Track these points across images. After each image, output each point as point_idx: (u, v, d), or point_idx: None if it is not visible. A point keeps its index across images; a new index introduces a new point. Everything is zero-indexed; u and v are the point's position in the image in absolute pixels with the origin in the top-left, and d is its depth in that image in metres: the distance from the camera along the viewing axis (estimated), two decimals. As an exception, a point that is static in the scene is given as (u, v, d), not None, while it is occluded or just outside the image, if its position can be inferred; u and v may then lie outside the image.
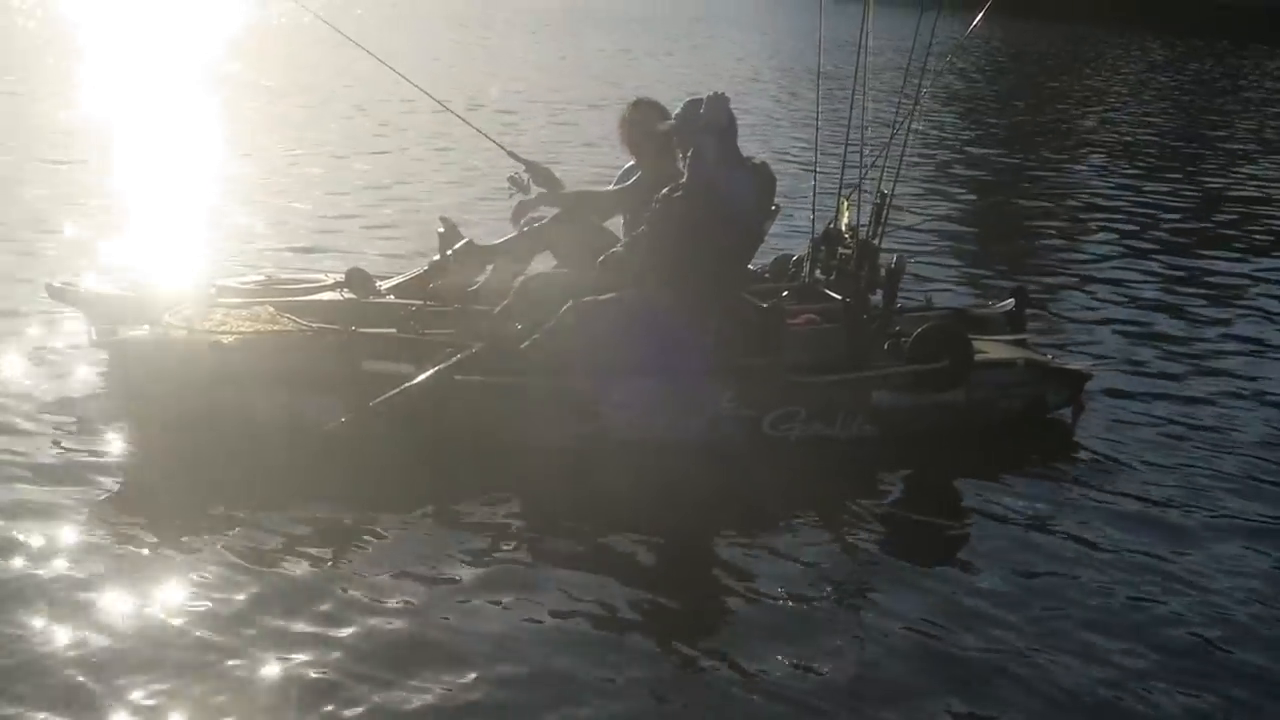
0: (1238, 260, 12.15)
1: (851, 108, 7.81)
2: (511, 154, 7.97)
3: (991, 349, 7.46)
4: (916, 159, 14.98)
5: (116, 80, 20.71)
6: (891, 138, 7.72)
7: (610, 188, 7.81)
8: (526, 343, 6.64)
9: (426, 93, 8.47)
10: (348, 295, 7.27)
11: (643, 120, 7.48)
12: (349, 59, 14.54)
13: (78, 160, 13.70)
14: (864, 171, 7.71)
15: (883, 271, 7.34)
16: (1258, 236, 13.41)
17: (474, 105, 18.00)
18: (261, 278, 7.83)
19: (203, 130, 16.34)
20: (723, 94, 6.90)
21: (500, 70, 24.77)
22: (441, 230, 7.70)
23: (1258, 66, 38.76)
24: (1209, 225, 13.79)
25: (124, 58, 24.52)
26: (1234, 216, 14.43)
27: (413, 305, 7.32)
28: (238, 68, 22.99)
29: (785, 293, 7.55)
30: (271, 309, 6.80)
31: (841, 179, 7.81)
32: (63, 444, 6.41)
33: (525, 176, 7.77)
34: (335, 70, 21.65)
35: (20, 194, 11.82)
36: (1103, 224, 13.45)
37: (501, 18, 41.33)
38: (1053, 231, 12.80)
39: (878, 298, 7.35)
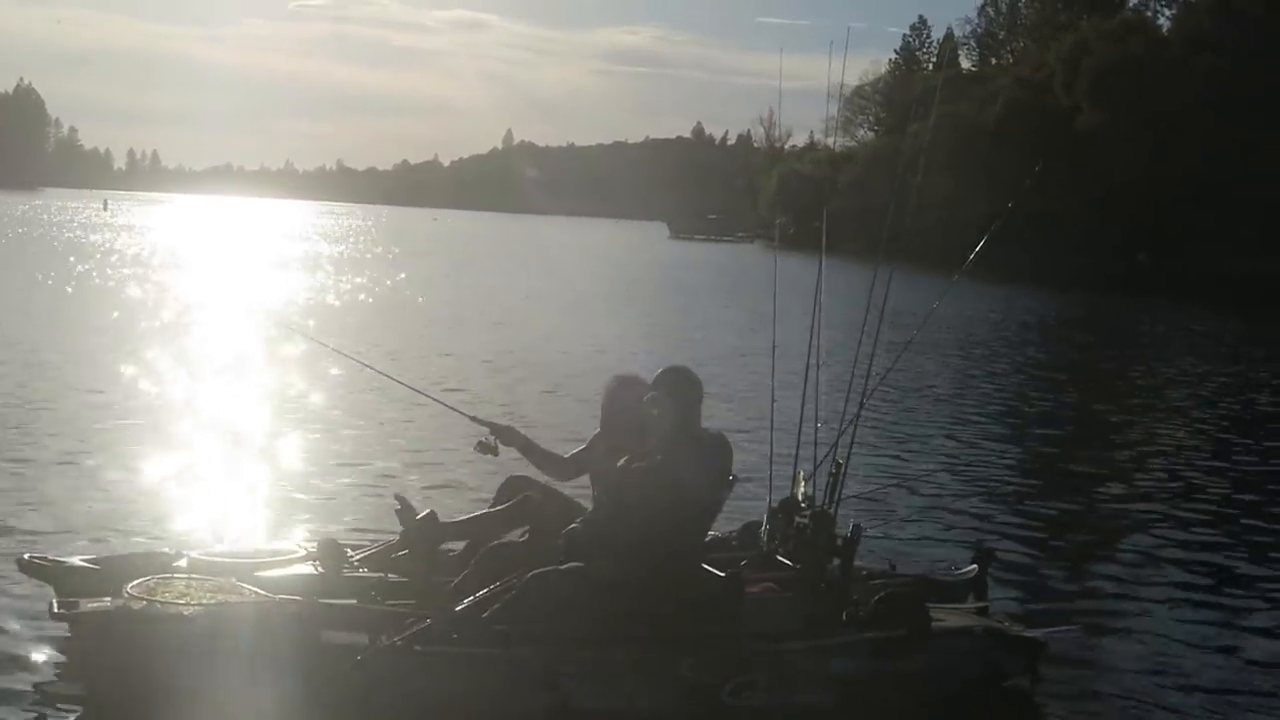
0: (1209, 520, 12.28)
1: (806, 381, 8.06)
2: (474, 419, 8.13)
3: (950, 617, 7.52)
4: (874, 426, 15.19)
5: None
6: (845, 410, 7.93)
7: (574, 453, 7.97)
8: (487, 612, 6.68)
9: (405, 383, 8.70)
10: (319, 568, 7.31)
11: (616, 396, 7.68)
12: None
13: (65, 417, 13.83)
14: (818, 445, 7.90)
15: (839, 540, 7.44)
16: (1213, 492, 13.60)
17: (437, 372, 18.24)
18: (234, 548, 7.90)
19: (190, 388, 16.49)
20: (683, 368, 7.14)
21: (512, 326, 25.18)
22: (398, 507, 7.77)
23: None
24: (1175, 487, 13.99)
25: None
26: (1195, 473, 14.65)
27: (379, 576, 7.35)
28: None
29: (744, 561, 7.64)
30: (235, 580, 6.87)
31: (797, 450, 7.99)
32: (25, 705, 6.41)
33: (492, 439, 7.91)
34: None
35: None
36: (1069, 488, 13.63)
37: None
38: (1018, 496, 12.95)
39: (836, 565, 7.43)
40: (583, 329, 28.17)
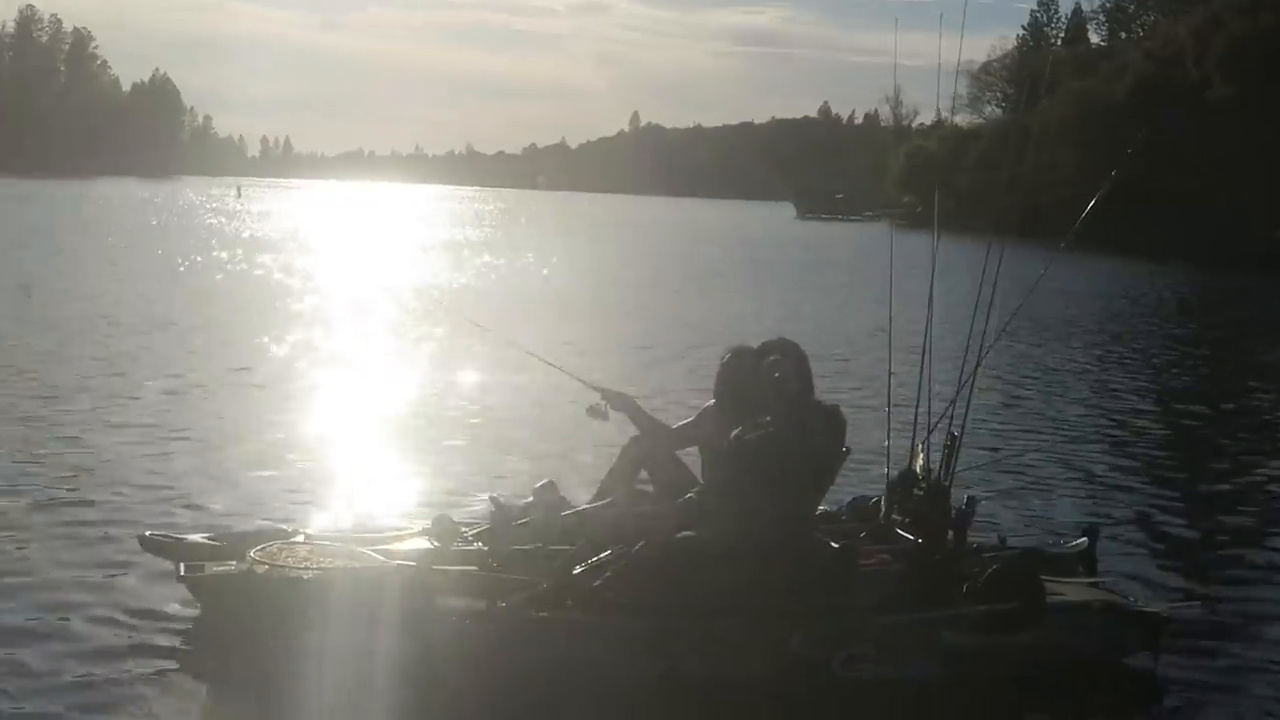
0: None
1: (924, 356, 8.02)
2: (587, 384, 8.20)
3: (1066, 590, 7.44)
4: (989, 399, 15.11)
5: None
6: (960, 383, 7.89)
7: (683, 423, 8.01)
8: (599, 580, 6.76)
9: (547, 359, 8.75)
10: (433, 543, 7.44)
11: (731, 366, 7.70)
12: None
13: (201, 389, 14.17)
14: (933, 418, 7.86)
15: (954, 512, 7.40)
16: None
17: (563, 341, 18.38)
18: (351, 525, 8.04)
19: (322, 370, 16.82)
20: (794, 344, 7.16)
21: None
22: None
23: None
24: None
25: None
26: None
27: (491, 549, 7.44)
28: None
29: (863, 534, 7.64)
30: (354, 548, 7.02)
31: (915, 422, 7.96)
32: (149, 672, 6.61)
33: (603, 404, 7.98)
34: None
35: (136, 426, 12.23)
36: (1185, 465, 13.41)
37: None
38: (1129, 470, 12.74)
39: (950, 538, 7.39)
40: (706, 308, 28.23)
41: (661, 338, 22.20)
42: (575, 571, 6.85)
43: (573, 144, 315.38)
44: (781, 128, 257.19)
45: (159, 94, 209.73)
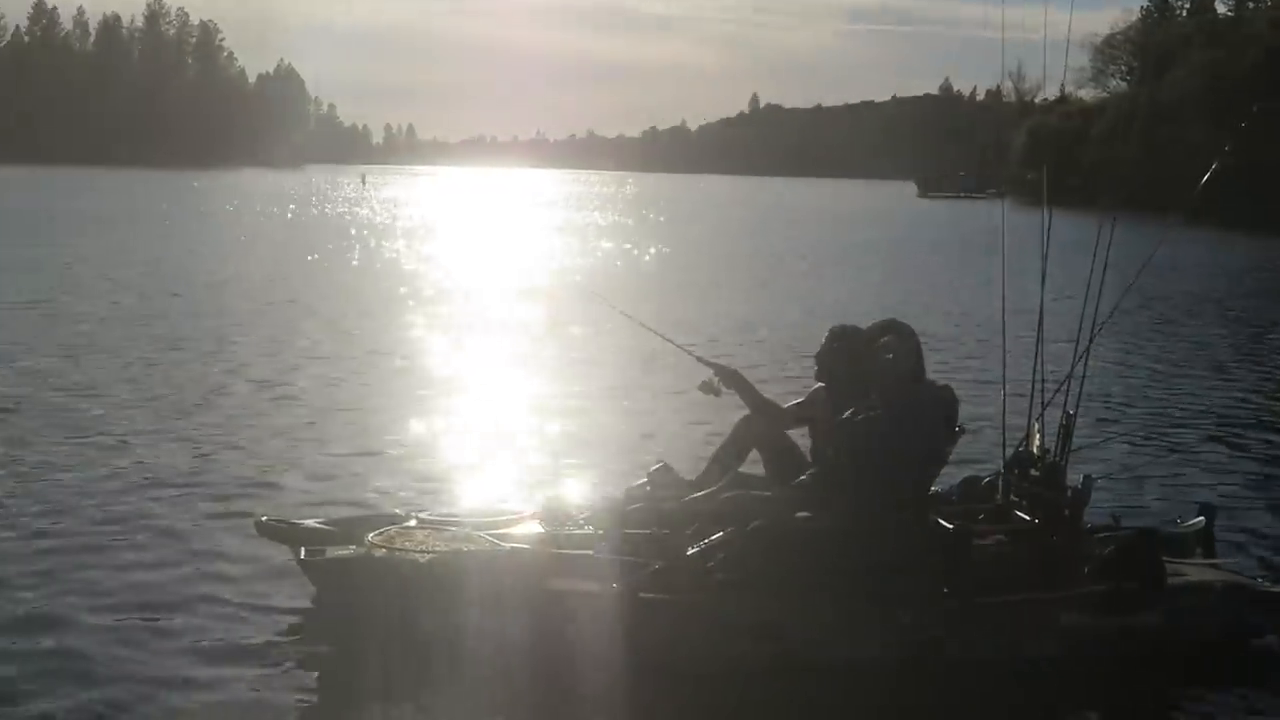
0: None
1: (1039, 336, 7.93)
2: (700, 359, 8.21)
3: (1187, 570, 7.33)
4: (1104, 377, 14.93)
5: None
6: (1075, 360, 7.79)
7: (794, 403, 7.99)
8: (711, 562, 6.78)
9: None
10: (545, 527, 7.49)
11: (839, 348, 7.66)
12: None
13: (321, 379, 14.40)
14: (1047, 396, 7.77)
15: (1069, 492, 7.32)
16: None
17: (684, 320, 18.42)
18: (461, 510, 8.13)
19: (443, 355, 16.98)
20: (905, 324, 7.12)
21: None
22: (653, 466, 7.90)
23: None
24: None
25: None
26: None
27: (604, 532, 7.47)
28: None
29: (981, 515, 7.58)
30: (469, 531, 7.12)
31: (1031, 402, 7.88)
32: (268, 656, 6.74)
33: (716, 380, 7.98)
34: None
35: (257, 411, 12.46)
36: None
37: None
38: (1245, 450, 12.48)
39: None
40: (823, 288, 28.16)
41: (777, 318, 22.17)
42: (688, 553, 6.88)
43: (693, 126, 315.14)
44: (902, 106, 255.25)
45: (284, 84, 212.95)
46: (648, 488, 7.74)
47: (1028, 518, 7.38)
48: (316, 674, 6.65)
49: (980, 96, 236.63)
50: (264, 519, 7.76)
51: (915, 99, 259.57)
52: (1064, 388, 7.79)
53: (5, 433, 11.45)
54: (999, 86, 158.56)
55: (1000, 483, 7.86)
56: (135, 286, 24.13)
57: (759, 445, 7.87)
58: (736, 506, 7.19)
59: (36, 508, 9.09)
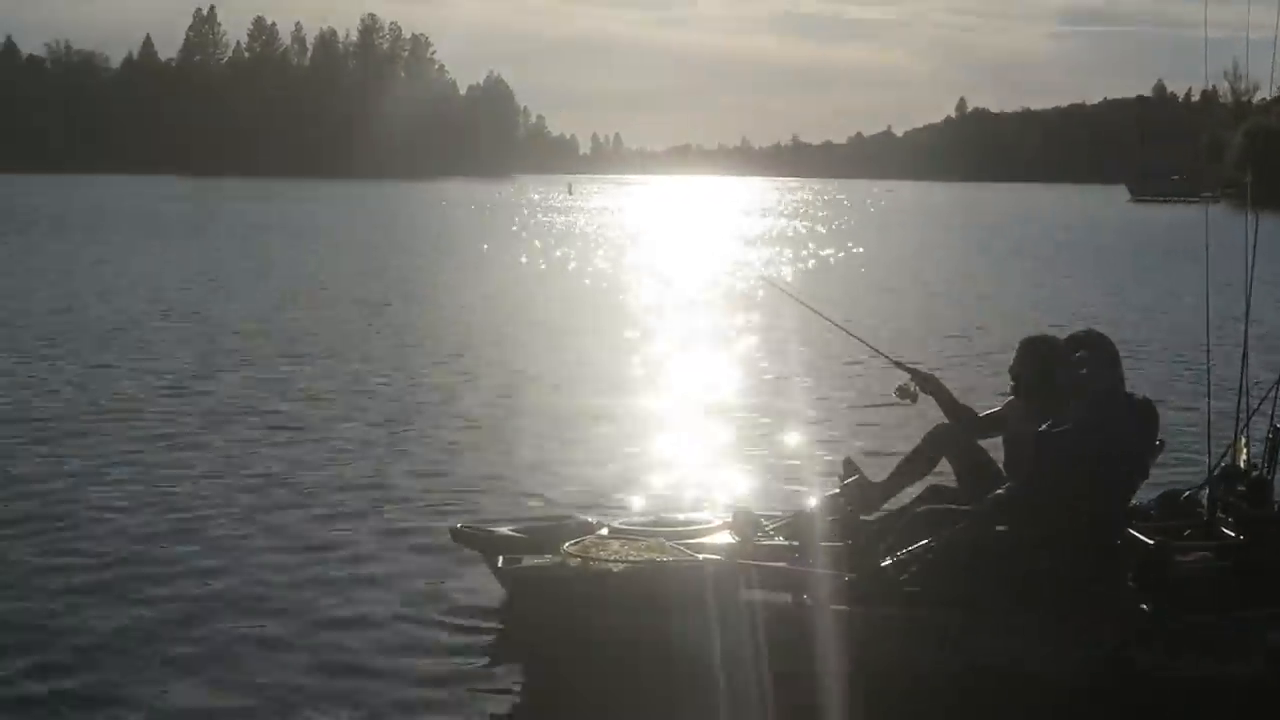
0: None
1: (1245, 346, 7.76)
2: (897, 363, 8.18)
3: None
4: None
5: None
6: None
7: (988, 412, 7.90)
8: (905, 574, 6.76)
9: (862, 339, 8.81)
10: (734, 536, 7.53)
11: (1031, 360, 7.57)
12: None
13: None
14: (1253, 409, 7.59)
15: (1278, 508, 7.14)
16: None
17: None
18: (651, 518, 8.23)
19: (644, 364, 17.15)
20: (1104, 336, 7.01)
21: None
22: (842, 471, 7.91)
23: None
24: None
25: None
26: None
27: (797, 543, 7.50)
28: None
29: (1187, 532, 7.43)
30: (663, 541, 7.22)
31: (1238, 416, 7.70)
32: (462, 663, 6.93)
33: (913, 385, 7.94)
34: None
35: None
36: None
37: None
38: None
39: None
40: (1026, 295, 27.76)
41: (977, 325, 21.97)
42: (882, 565, 6.88)
43: (898, 131, 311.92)
44: (1113, 108, 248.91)
45: (493, 95, 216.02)
46: (841, 498, 7.73)
47: (1233, 534, 7.21)
48: (511, 682, 6.82)
49: (1195, 98, 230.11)
50: (459, 526, 7.95)
51: (1127, 101, 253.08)
52: (1273, 396, 7.60)
53: (227, 437, 11.96)
54: (1214, 87, 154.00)
55: (1204, 498, 7.70)
56: (364, 294, 24.98)
57: (950, 454, 7.79)
58: (932, 519, 7.16)
59: (250, 517, 9.42)
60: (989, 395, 11.47)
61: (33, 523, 9.11)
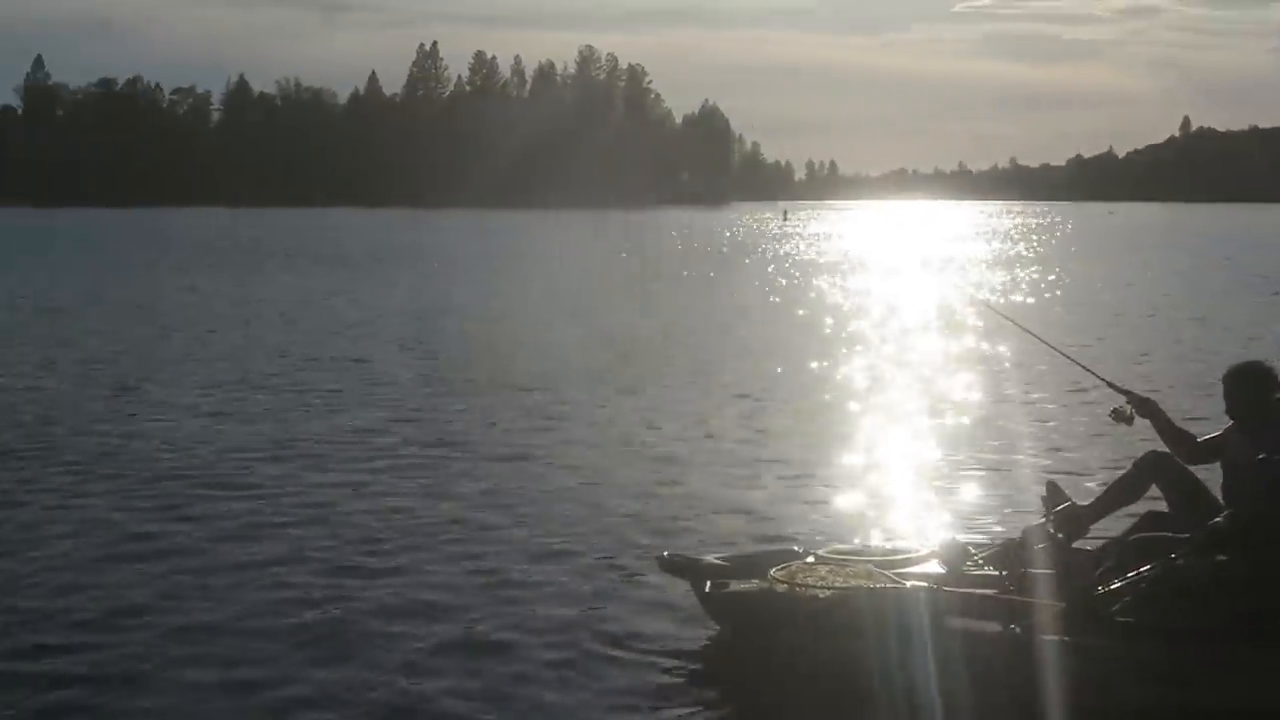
0: None
1: None
2: (1113, 386, 8.05)
3: None
4: None
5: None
6: None
7: (1207, 438, 7.69)
8: (1118, 604, 6.68)
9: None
10: (941, 565, 7.51)
11: (1241, 388, 7.41)
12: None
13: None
14: None
15: None
16: None
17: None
18: (858, 546, 8.26)
19: (854, 391, 17.13)
20: None
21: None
22: (1045, 494, 7.82)
23: None
24: None
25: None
26: None
27: (1006, 571, 7.44)
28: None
29: None
30: (870, 568, 7.25)
31: None
32: (670, 690, 7.04)
33: (1129, 408, 7.78)
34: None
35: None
36: None
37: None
38: None
39: None
40: (1243, 319, 27.04)
41: (1191, 349, 21.57)
42: (1095, 595, 6.80)
43: (1120, 152, 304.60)
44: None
45: (709, 123, 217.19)
46: (1049, 525, 7.64)
47: None
48: (719, 709, 6.87)
49: None
50: (666, 554, 8.04)
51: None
52: None
53: (451, 460, 12.39)
54: None
55: None
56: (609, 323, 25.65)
57: (1162, 481, 7.61)
58: (1147, 547, 7.04)
59: (454, 544, 9.67)
60: (1206, 423, 11.26)
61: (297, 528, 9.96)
